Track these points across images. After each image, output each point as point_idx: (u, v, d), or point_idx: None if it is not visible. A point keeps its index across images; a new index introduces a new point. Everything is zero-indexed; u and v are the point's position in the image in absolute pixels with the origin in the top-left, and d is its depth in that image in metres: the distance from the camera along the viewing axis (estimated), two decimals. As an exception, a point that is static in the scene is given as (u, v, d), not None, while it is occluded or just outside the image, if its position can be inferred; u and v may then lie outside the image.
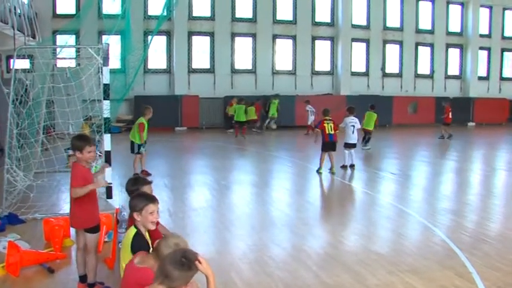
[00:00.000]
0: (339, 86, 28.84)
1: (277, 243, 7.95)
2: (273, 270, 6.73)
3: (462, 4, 32.15)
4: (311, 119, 24.52)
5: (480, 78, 32.80)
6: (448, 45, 32.07)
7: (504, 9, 33.53)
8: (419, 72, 31.27)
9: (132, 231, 4.54)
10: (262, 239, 8.15)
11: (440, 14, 31.52)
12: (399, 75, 30.66)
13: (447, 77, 32.06)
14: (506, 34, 33.93)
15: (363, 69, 29.91)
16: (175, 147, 20.64)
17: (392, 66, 30.61)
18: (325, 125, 14.09)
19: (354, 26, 29.21)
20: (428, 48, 31.53)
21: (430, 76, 31.54)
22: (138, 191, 5.05)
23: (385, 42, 30.22)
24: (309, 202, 11.18)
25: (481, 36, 32.73)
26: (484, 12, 32.92)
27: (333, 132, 14.05)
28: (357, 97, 27.78)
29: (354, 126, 14.97)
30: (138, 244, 4.39)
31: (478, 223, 9.56)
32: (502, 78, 33.89)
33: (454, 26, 32.36)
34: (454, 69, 32.50)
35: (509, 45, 34.00)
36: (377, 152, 19.38)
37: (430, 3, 31.31)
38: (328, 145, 14.06)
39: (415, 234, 8.90)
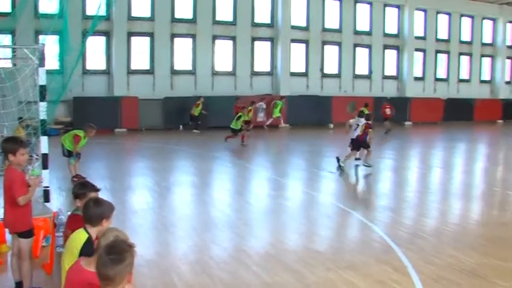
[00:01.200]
0: (278, 87, 29.09)
1: (218, 244, 7.98)
2: (214, 270, 6.74)
3: (398, 7, 33.06)
4: (260, 116, 24.96)
5: (416, 78, 33.86)
6: (385, 47, 32.92)
7: (437, 12, 34.73)
8: (357, 72, 31.97)
9: (83, 235, 4.40)
10: (203, 240, 8.16)
11: (377, 16, 32.32)
12: (338, 75, 31.24)
13: (384, 77, 32.92)
14: (439, 36, 35.16)
15: (303, 70, 30.28)
16: (115, 149, 20.33)
17: (331, 67, 31.14)
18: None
19: (294, 27, 29.54)
20: (366, 50, 32.26)
21: (368, 77, 32.29)
22: (85, 195, 4.96)
23: (324, 43, 30.70)
24: (249, 203, 11.25)
25: (417, 38, 33.77)
26: (419, 15, 33.98)
27: (361, 133, 15.12)
28: (297, 97, 28.13)
29: (358, 124, 15.38)
30: (90, 250, 4.26)
31: (414, 219, 9.88)
32: (436, 79, 35.12)
33: (391, 28, 33.23)
34: (391, 70, 33.39)
35: (443, 47, 35.24)
36: (317, 151, 19.68)
37: (368, 6, 32.05)
38: (356, 143, 15.24)
39: (354, 231, 9.12)
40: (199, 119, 25.42)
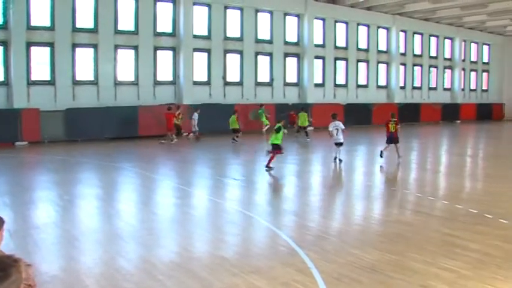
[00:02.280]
0: (181, 95, 28.98)
1: (123, 256, 7.85)
2: (120, 282, 6.64)
3: (298, 16, 33.94)
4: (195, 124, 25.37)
5: (316, 85, 34.92)
6: (286, 55, 33.69)
7: (336, 21, 36.02)
8: (259, 80, 32.47)
9: None
10: (108, 252, 8.00)
11: (278, 25, 33.03)
12: (240, 83, 31.60)
13: (286, 84, 33.67)
14: (338, 44, 36.49)
15: (205, 79, 30.37)
16: (16, 163, 19.43)
17: (233, 75, 31.44)
18: (390, 124, 18.89)
19: (196, 36, 29.55)
20: (267, 58, 32.86)
21: (270, 84, 32.90)
22: None
23: (226, 51, 30.94)
24: (155, 212, 11.13)
25: (316, 46, 34.85)
26: (318, 24, 35.09)
27: (394, 130, 18.80)
28: (200, 106, 28.15)
29: (337, 129, 17.81)
30: None
31: (317, 222, 10.19)
32: (336, 85, 36.41)
33: (291, 36, 34.07)
34: (292, 77, 34.22)
35: (341, 54, 36.61)
36: (222, 159, 19.80)
37: (268, 15, 32.67)
38: (390, 139, 18.85)
39: (259, 236, 9.27)
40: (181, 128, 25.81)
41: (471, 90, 48.42)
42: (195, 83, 29.67)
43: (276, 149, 16.50)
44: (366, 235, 9.03)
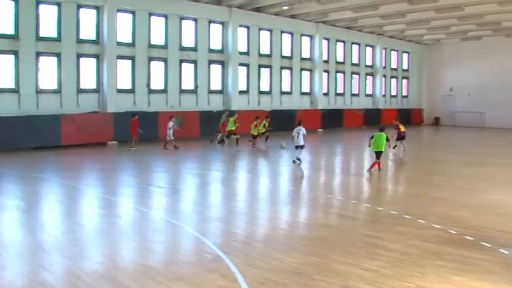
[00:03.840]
0: (105, 104, 28.42)
1: (47, 268, 7.66)
2: (39, 296, 6.49)
3: (222, 24, 34.05)
4: (170, 132, 24.69)
5: (241, 92, 35.13)
6: (211, 62, 33.73)
7: (260, 29, 36.44)
8: (183, 87, 32.32)
9: None
10: (30, 266, 7.78)
11: (202, 32, 33.01)
12: (165, 91, 31.34)
13: (210, 91, 33.67)
14: (262, 52, 36.92)
15: (129, 86, 29.93)
16: None
17: (157, 83, 31.16)
18: (400, 126, 24.28)
19: (119, 44, 29.06)
20: (192, 65, 32.79)
21: (194, 91, 32.83)
22: None
23: (150, 59, 30.63)
24: (79, 223, 10.89)
25: (240, 53, 35.09)
26: (242, 32, 35.35)
27: (403, 129, 24.35)
28: (124, 114, 27.73)
29: (299, 133, 19.72)
30: None
31: (242, 228, 10.33)
32: (260, 92, 36.77)
33: (216, 43, 34.16)
34: (216, 84, 34.28)
35: (265, 61, 37.05)
36: (145, 167, 19.59)
37: (193, 22, 32.60)
38: (402, 137, 24.01)
39: (184, 244, 9.28)
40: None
41: (392, 96, 50.15)
42: (119, 91, 29.17)
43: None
44: (290, 239, 9.23)
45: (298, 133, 19.87)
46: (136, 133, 25.82)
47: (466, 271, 7.46)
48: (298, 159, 19.86)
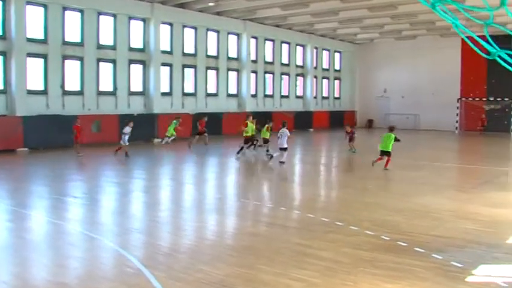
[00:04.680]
0: (14, 107, 27.52)
1: None
2: None
3: (144, 20, 33.72)
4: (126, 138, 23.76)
5: (163, 94, 34.82)
6: (131, 61, 33.27)
7: (184, 26, 36.30)
8: (101, 89, 31.71)
9: None
10: None
11: (122, 29, 32.49)
12: (81, 92, 30.66)
13: (130, 93, 33.20)
14: (186, 51, 36.79)
15: (41, 87, 29.10)
16: None
17: (73, 84, 30.44)
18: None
19: (29, 40, 28.18)
20: (110, 64, 32.25)
21: (113, 93, 32.30)
22: None
23: (64, 57, 29.89)
24: (-18, 239, 10.53)
25: (163, 52, 34.82)
26: (165, 29, 35.08)
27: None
28: (36, 117, 26.94)
29: (282, 135, 21.40)
30: None
31: (165, 239, 10.29)
32: (184, 94, 36.57)
33: (136, 42, 33.74)
34: (137, 86, 33.85)
35: (189, 61, 36.93)
36: (60, 175, 19.14)
37: (111, 18, 32.06)
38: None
39: (102, 258, 9.14)
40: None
41: (323, 97, 51.17)
42: (30, 92, 28.27)
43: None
44: (216, 250, 9.28)
45: (282, 135, 21.55)
46: (78, 139, 24.95)
47: (399, 278, 7.72)
48: (270, 155, 22.55)
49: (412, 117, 49.13)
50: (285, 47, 45.76)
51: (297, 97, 47.64)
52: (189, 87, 37.14)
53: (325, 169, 22.23)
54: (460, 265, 8.31)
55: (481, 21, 4.63)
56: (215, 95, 39.01)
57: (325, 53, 51.25)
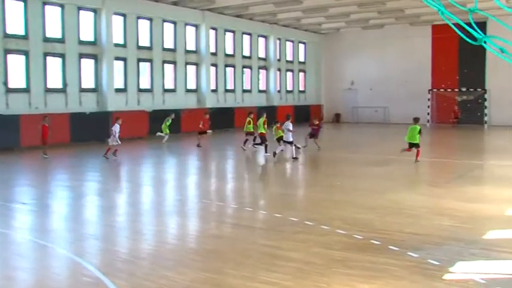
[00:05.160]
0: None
1: None
2: None
3: (95, 11, 33.28)
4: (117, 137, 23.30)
5: (117, 90, 34.37)
6: (81, 56, 32.75)
7: (138, 17, 35.91)
8: (49, 86, 31.19)
9: None
10: None
11: (70, 20, 31.91)
12: (27, 90, 30.11)
13: (82, 90, 32.71)
14: (141, 44, 36.40)
15: (-20, 85, 28.53)
16: None
17: (17, 80, 29.87)
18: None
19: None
20: (58, 59, 31.74)
21: (63, 90, 31.80)
22: None
23: (7, 51, 29.00)
24: None
25: (116, 45, 34.37)
26: (118, 20, 34.62)
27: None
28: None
29: (287, 128, 22.71)
30: None
31: (124, 244, 10.19)
32: (140, 90, 36.18)
33: (87, 34, 33.24)
34: (89, 82, 33.39)
35: (145, 55, 36.55)
36: (3, 180, 18.77)
37: (59, 9, 31.51)
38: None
39: (56, 267, 8.99)
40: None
41: (288, 91, 51.35)
42: (-33, 90, 27.74)
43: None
44: (179, 255, 9.23)
45: (287, 128, 22.82)
46: (46, 138, 24.38)
47: (374, 278, 7.80)
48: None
49: (381, 110, 49.68)
50: (246, 38, 45.76)
51: (260, 91, 47.70)
52: (144, 83, 36.80)
53: (291, 167, 22.31)
54: (436, 263, 8.44)
55: (466, 8, 4.70)
56: (173, 90, 38.73)
57: (288, 44, 51.43)
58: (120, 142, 23.92)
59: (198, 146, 28.20)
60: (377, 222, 11.38)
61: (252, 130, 27.19)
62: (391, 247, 9.35)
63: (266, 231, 10.90)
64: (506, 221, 11.72)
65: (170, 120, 30.93)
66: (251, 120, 27.25)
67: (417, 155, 21.23)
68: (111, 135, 23.92)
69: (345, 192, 15.46)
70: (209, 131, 30.37)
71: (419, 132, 21.32)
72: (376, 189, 15.66)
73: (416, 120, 22.00)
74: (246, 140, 27.09)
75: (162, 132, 30.66)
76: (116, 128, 23.91)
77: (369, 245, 9.58)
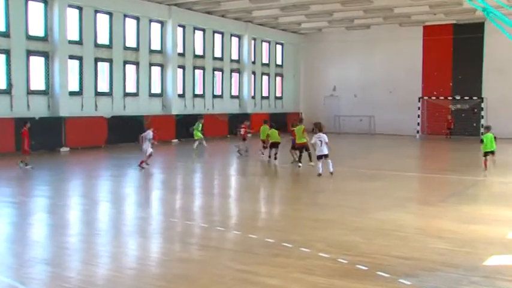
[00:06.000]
0: None
1: None
2: None
3: (45, 3, 32.83)
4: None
5: (72, 93, 33.92)
6: (30, 53, 32.31)
7: (96, 11, 35.30)
8: (-6, 88, 30.84)
9: None
10: None
11: (17, 14, 31.48)
12: (-35, 92, 29.73)
13: (30, 92, 32.30)
14: (99, 41, 35.90)
15: None
16: None
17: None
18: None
19: None
20: (2, 56, 31.21)
21: (7, 92, 31.32)
22: None
23: None
24: None
25: (71, 42, 33.87)
26: (73, 14, 34.10)
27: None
28: None
29: (321, 141, 21.72)
30: None
31: (77, 269, 9.99)
32: (98, 93, 35.77)
33: (36, 29, 32.75)
34: (38, 83, 32.95)
35: (103, 54, 36.12)
36: None
37: (2, 1, 31.09)
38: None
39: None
40: None
41: (263, 97, 51.39)
42: None
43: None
44: (142, 280, 9.07)
45: (320, 141, 21.89)
46: (28, 147, 24.28)
47: (361, 308, 7.72)
48: (330, 173, 21.67)
49: (367, 120, 49.91)
50: (217, 37, 45.74)
51: (232, 97, 47.68)
52: (103, 86, 36.45)
53: (265, 181, 22.23)
54: (432, 292, 8.39)
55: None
56: (135, 94, 38.46)
57: (264, 45, 51.54)
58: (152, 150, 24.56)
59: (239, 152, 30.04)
60: (364, 244, 11.31)
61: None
62: (380, 273, 9.28)
63: (240, 254, 10.76)
64: (508, 245, 11.73)
65: (201, 125, 32.56)
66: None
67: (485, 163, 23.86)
68: (145, 141, 24.30)
69: (327, 210, 15.41)
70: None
71: (495, 138, 24.06)
72: (361, 208, 15.63)
73: (488, 128, 24.73)
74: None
75: (194, 137, 32.10)
76: (149, 135, 24.43)
77: (355, 270, 9.50)
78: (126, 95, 37.75)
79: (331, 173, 21.60)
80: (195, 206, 16.92)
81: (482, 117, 44.58)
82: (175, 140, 38.77)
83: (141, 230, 13.22)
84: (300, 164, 24.50)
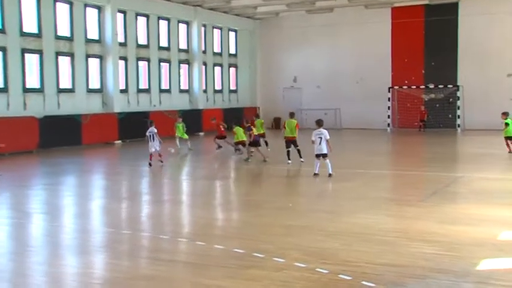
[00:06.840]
0: None
1: None
2: None
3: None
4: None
5: (-1, 90, 33.49)
6: None
7: (54, 1, 35.06)
8: None
9: None
10: None
11: None
12: None
13: None
14: (26, 30, 35.05)
15: None
16: None
17: None
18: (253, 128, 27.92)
19: None
20: None
21: None
22: None
23: None
24: None
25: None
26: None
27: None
28: None
29: (321, 138, 21.52)
30: None
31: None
32: (26, 90, 34.95)
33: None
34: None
35: (31, 44, 35.19)
36: None
37: None
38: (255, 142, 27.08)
39: None
40: None
41: (216, 91, 51.37)
42: None
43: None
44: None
45: (320, 138, 21.68)
46: None
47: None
48: (329, 174, 21.45)
49: (332, 113, 50.17)
50: (163, 24, 45.53)
51: (182, 91, 47.50)
52: (33, 81, 35.85)
53: (226, 184, 22.16)
54: (423, 301, 8.41)
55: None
56: (71, 90, 37.91)
57: (216, 32, 51.54)
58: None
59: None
60: (343, 251, 11.31)
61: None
62: (365, 283, 9.27)
63: (207, 267, 10.63)
64: (500, 247, 11.79)
65: (182, 122, 34.17)
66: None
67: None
68: (151, 139, 25.50)
69: (300, 215, 15.39)
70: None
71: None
72: (336, 211, 15.69)
73: (506, 113, 29.09)
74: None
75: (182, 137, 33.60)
76: (152, 131, 25.68)
77: (338, 281, 9.47)
78: (60, 91, 37.09)
79: (330, 175, 21.47)
80: (145, 215, 16.73)
81: (459, 107, 45.33)
82: (119, 141, 38.35)
83: (85, 245, 12.91)
84: (290, 162, 25.27)
